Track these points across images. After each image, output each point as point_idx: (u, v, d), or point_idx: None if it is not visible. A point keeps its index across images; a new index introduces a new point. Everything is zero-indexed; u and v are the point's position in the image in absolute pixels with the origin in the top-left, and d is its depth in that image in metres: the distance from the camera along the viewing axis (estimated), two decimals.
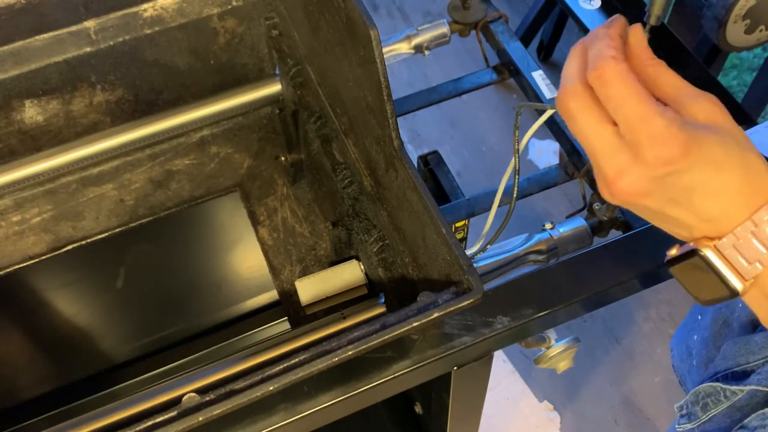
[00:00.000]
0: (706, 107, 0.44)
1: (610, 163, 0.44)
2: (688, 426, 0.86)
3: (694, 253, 0.45)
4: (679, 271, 0.47)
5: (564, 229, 0.70)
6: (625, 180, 0.43)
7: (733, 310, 0.83)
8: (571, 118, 0.45)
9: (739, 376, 0.80)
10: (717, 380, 0.81)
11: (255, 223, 0.80)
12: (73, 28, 0.70)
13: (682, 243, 0.47)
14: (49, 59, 0.71)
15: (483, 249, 0.68)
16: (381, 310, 0.66)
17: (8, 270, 0.77)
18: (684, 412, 0.87)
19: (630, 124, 0.42)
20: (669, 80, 0.45)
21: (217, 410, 0.47)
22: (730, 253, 0.44)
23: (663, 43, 0.81)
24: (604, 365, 1.49)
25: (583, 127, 0.44)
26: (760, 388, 0.76)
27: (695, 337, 0.90)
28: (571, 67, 0.45)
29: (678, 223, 0.45)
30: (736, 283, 0.44)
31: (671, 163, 0.42)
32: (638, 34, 0.46)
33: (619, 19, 0.46)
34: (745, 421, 0.78)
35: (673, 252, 0.47)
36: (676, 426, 0.88)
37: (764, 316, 0.46)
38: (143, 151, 0.80)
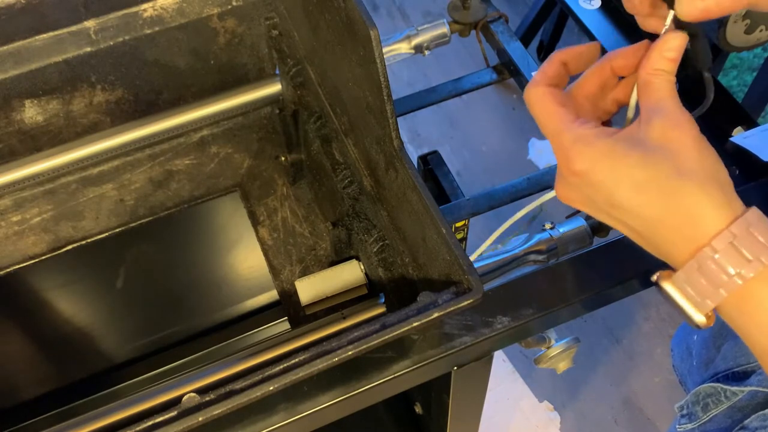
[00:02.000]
0: (659, 127, 0.43)
1: (557, 168, 0.48)
2: (689, 426, 0.86)
3: (656, 283, 0.46)
4: (661, 294, 0.47)
5: (564, 229, 0.70)
6: (557, 187, 0.48)
7: None
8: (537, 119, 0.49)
9: (740, 377, 0.80)
10: (717, 380, 0.81)
11: (255, 223, 0.80)
12: (73, 28, 0.70)
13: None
14: (49, 59, 0.71)
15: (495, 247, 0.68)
16: (381, 310, 0.66)
17: (8, 270, 0.77)
18: (684, 412, 0.87)
19: (550, 139, 0.46)
20: (658, 94, 0.45)
21: (217, 410, 0.47)
22: (684, 288, 0.44)
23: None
24: (604, 365, 1.49)
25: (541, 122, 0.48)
26: (761, 389, 0.76)
27: (695, 337, 0.90)
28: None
29: (629, 236, 0.46)
30: (697, 317, 0.44)
31: (577, 175, 0.44)
32: (671, 41, 0.46)
33: (579, 47, 0.50)
34: (746, 421, 0.78)
35: (654, 278, 0.47)
36: (677, 426, 0.88)
37: (744, 337, 0.46)
38: (143, 151, 0.80)
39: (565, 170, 0.45)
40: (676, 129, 0.43)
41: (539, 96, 0.47)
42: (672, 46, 0.46)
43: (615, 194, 0.43)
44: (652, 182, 0.42)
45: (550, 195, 0.64)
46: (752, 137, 0.73)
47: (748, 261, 0.41)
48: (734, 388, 0.79)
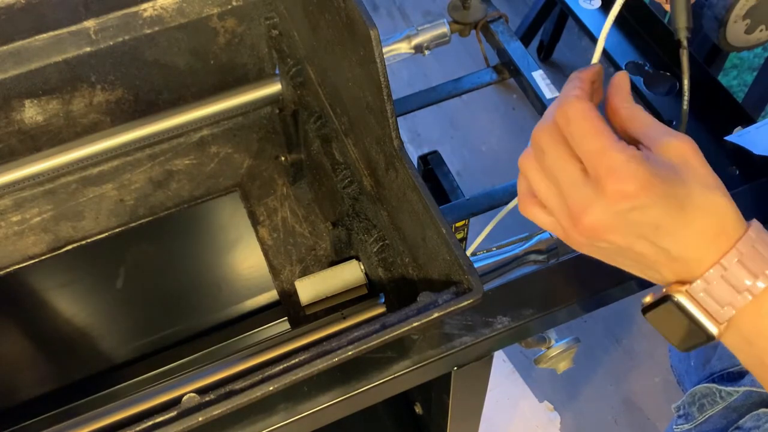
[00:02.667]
0: (678, 146, 0.44)
1: (574, 197, 0.44)
2: (685, 426, 0.86)
3: (667, 298, 0.45)
4: (654, 318, 0.47)
5: None
6: (590, 214, 0.44)
7: None
8: (542, 153, 0.46)
9: (735, 377, 0.80)
10: (713, 381, 0.81)
11: (255, 223, 0.80)
12: (73, 28, 0.70)
13: (656, 290, 0.47)
14: (49, 59, 0.71)
15: (488, 249, 0.68)
16: (381, 310, 0.66)
17: (8, 270, 0.77)
18: (681, 412, 0.87)
19: (591, 159, 0.43)
20: (643, 120, 0.45)
21: (217, 410, 0.47)
22: (702, 297, 0.44)
23: (663, 43, 0.81)
24: (604, 365, 1.49)
25: (551, 162, 0.45)
26: (755, 389, 0.77)
27: None
28: (551, 107, 0.46)
29: (647, 262, 0.45)
30: (711, 328, 0.44)
31: (631, 197, 0.42)
32: (622, 79, 0.47)
33: (594, 66, 0.48)
34: (741, 421, 0.79)
35: (648, 299, 0.47)
36: (674, 426, 0.88)
37: (744, 360, 0.46)
38: (143, 151, 0.80)
39: (613, 192, 0.42)
40: (688, 148, 0.44)
41: (586, 111, 0.44)
42: (624, 82, 0.47)
43: (665, 215, 0.43)
44: (694, 200, 0.43)
45: None
46: (748, 134, 0.73)
47: None
48: (729, 389, 0.79)
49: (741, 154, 0.72)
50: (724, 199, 0.44)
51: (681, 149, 0.44)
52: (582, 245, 0.47)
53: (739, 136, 0.73)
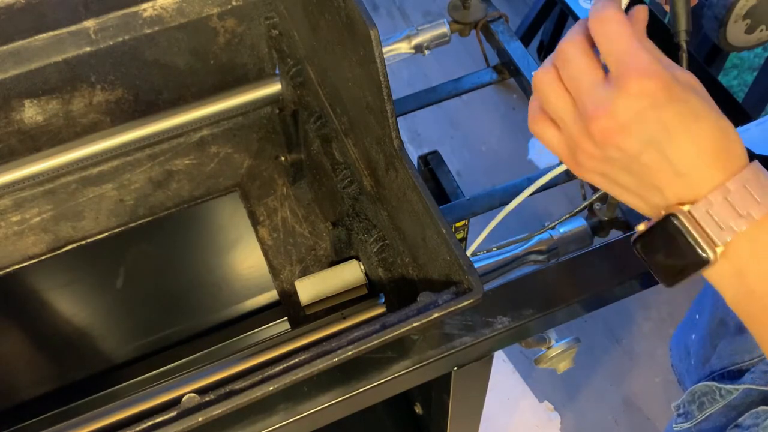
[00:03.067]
0: (685, 74, 0.45)
1: (594, 97, 0.45)
2: (685, 425, 0.86)
3: (665, 221, 0.45)
4: (646, 246, 0.47)
5: (564, 229, 0.70)
6: (608, 112, 0.44)
7: (729, 310, 0.83)
8: (566, 62, 0.46)
9: (734, 375, 0.80)
10: (713, 379, 0.81)
11: (255, 223, 0.80)
12: (73, 28, 0.70)
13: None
14: (48, 59, 0.71)
15: (489, 249, 0.68)
16: (381, 310, 0.66)
17: (8, 270, 0.77)
18: (681, 411, 0.87)
19: (619, 57, 0.44)
20: (654, 51, 0.46)
21: (217, 410, 0.47)
22: (703, 217, 0.44)
23: (663, 43, 0.81)
24: (604, 365, 1.49)
25: (574, 68, 0.46)
26: (754, 387, 0.77)
27: (693, 336, 0.90)
28: (572, 29, 0.48)
29: (650, 178, 0.45)
30: (708, 251, 0.44)
31: (652, 94, 0.43)
32: (641, 13, 0.48)
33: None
34: (740, 419, 0.78)
35: (642, 227, 0.47)
36: (673, 425, 0.88)
37: (733, 296, 0.46)
38: (143, 151, 0.80)
39: (635, 87, 0.43)
40: (692, 79, 0.45)
41: (619, 15, 0.45)
42: (640, 18, 0.47)
43: (680, 120, 0.43)
44: (708, 114, 0.43)
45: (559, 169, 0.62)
46: (748, 131, 0.72)
47: None
48: (729, 387, 0.79)
49: None
50: (731, 127, 0.44)
51: (689, 78, 0.45)
52: (590, 158, 0.47)
53: (741, 133, 0.73)
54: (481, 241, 0.70)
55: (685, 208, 0.44)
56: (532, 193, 0.78)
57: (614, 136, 0.44)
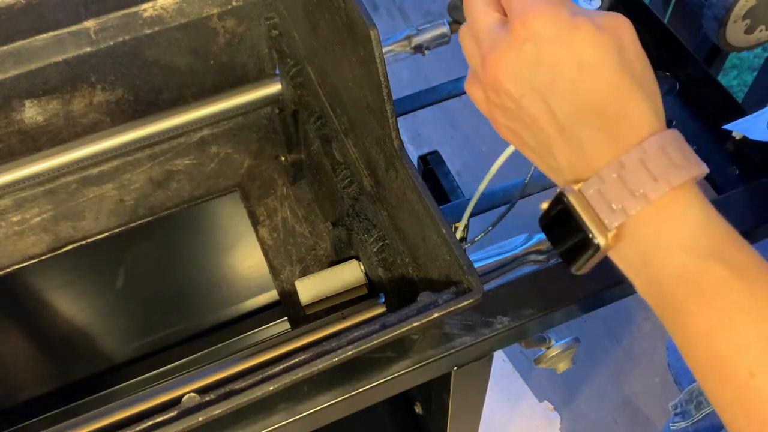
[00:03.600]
0: (609, 17, 0.40)
1: (487, 40, 0.42)
2: (682, 424, 0.86)
3: (558, 200, 0.41)
4: (549, 228, 0.43)
5: None
6: (493, 52, 0.41)
7: None
8: (468, 8, 0.44)
9: None
10: None
11: (255, 223, 0.80)
12: (73, 28, 0.70)
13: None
14: (49, 59, 0.71)
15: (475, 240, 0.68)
16: (381, 310, 0.66)
17: (8, 270, 0.77)
18: (678, 410, 0.87)
19: (510, 1, 0.41)
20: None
21: (217, 410, 0.47)
22: (593, 196, 0.39)
23: (663, 43, 0.81)
24: (604, 365, 1.49)
25: (473, 14, 0.43)
26: None
27: None
28: None
29: (543, 138, 0.41)
30: (598, 236, 0.39)
31: (532, 31, 0.39)
32: None
33: None
34: None
35: (544, 205, 0.43)
36: (670, 424, 0.88)
37: (639, 281, 0.41)
38: (143, 151, 0.80)
39: (518, 26, 0.39)
40: (620, 21, 0.40)
41: None
42: None
43: (562, 66, 0.39)
44: (598, 66, 0.38)
45: None
46: (746, 122, 0.72)
47: (677, 167, 0.37)
48: None
49: (740, 153, 0.72)
50: (636, 86, 0.39)
51: (613, 21, 0.40)
52: (494, 108, 0.43)
53: (736, 124, 0.72)
54: (481, 241, 0.70)
55: (578, 186, 0.40)
56: (533, 194, 0.78)
57: (500, 77, 0.41)
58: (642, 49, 0.40)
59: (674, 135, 0.39)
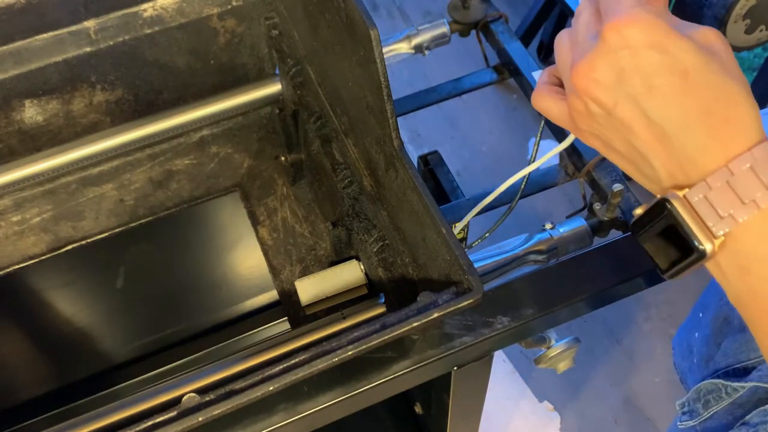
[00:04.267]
0: (705, 32, 0.40)
1: (580, 48, 0.41)
2: (690, 423, 0.86)
3: (659, 206, 0.40)
4: (641, 233, 0.42)
5: (564, 229, 0.70)
6: (583, 59, 0.40)
7: (733, 308, 0.82)
8: (576, 18, 0.43)
9: (740, 373, 0.80)
10: (718, 377, 0.81)
11: (255, 223, 0.80)
12: (73, 28, 0.70)
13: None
14: (49, 59, 0.71)
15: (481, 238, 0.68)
16: (381, 310, 0.66)
17: (8, 270, 0.77)
18: (686, 409, 0.87)
19: (607, 7, 0.40)
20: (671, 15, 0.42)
21: (217, 410, 0.47)
22: (699, 203, 0.38)
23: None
24: (604, 365, 1.49)
25: (579, 18, 0.43)
26: (762, 385, 0.76)
27: (696, 334, 0.90)
28: None
29: (639, 143, 0.40)
30: (705, 243, 0.38)
31: (623, 39, 0.38)
32: None
33: None
34: (747, 417, 0.78)
35: (639, 210, 0.42)
36: (678, 423, 0.88)
37: (732, 293, 0.41)
38: (143, 151, 0.80)
39: (608, 32, 0.38)
40: (715, 35, 0.40)
41: None
42: None
43: (661, 73, 0.38)
44: (703, 72, 0.38)
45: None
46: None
47: None
48: (735, 384, 0.78)
49: None
50: (743, 90, 0.38)
51: (708, 35, 0.39)
52: (579, 115, 0.42)
53: None
54: (481, 241, 0.70)
55: (682, 192, 0.39)
56: (533, 193, 0.78)
57: (590, 86, 0.40)
58: (737, 63, 0.40)
59: None
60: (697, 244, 0.39)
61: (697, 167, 0.38)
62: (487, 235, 0.70)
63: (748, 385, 0.77)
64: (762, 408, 0.77)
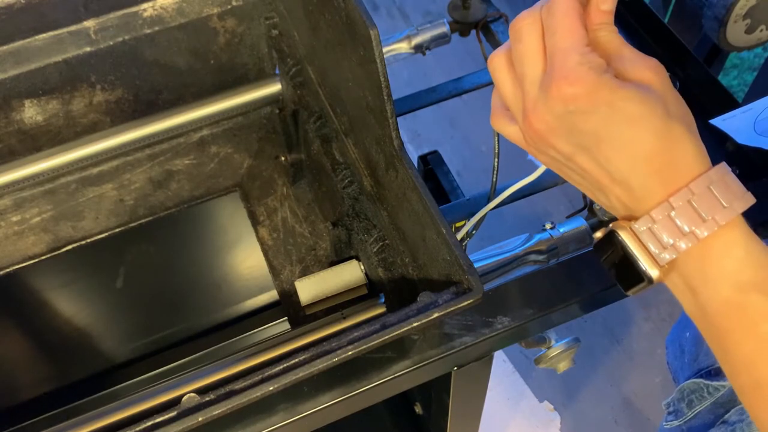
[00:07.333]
0: (643, 71, 0.42)
1: (530, 94, 0.43)
2: (675, 423, 0.86)
3: (612, 234, 0.44)
4: (600, 255, 0.46)
5: (564, 229, 0.70)
6: (534, 114, 0.43)
7: None
8: (517, 41, 0.44)
9: (721, 372, 0.80)
10: (701, 376, 0.81)
11: (255, 223, 0.80)
12: (73, 28, 0.70)
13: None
14: (48, 59, 0.71)
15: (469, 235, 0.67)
16: (381, 310, 0.66)
17: (8, 270, 0.77)
18: (671, 409, 0.87)
19: (553, 56, 0.42)
20: (616, 44, 0.43)
21: (217, 410, 0.47)
22: (644, 235, 0.42)
23: (663, 43, 0.81)
24: (604, 365, 1.49)
25: (521, 52, 0.44)
26: None
27: (687, 334, 0.90)
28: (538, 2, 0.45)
29: (593, 181, 0.44)
30: (650, 271, 0.43)
31: (569, 100, 0.40)
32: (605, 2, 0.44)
33: None
34: (726, 416, 0.79)
35: (598, 234, 0.46)
36: (664, 424, 0.88)
37: (687, 307, 0.44)
38: (143, 151, 0.80)
39: (556, 92, 0.41)
40: (654, 73, 0.42)
41: (570, 9, 0.42)
42: (611, 2, 0.44)
43: (607, 126, 0.41)
44: (645, 119, 0.40)
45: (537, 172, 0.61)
46: (733, 118, 0.72)
47: (723, 206, 0.40)
48: (716, 383, 0.79)
49: (741, 154, 0.72)
50: (683, 130, 0.41)
51: (647, 73, 0.42)
52: (538, 153, 0.46)
53: (723, 120, 0.72)
54: (481, 241, 0.70)
55: (629, 224, 0.43)
56: (533, 193, 0.78)
57: (546, 136, 0.43)
58: (675, 90, 0.43)
59: (719, 173, 0.41)
60: (644, 269, 0.43)
61: (644, 202, 0.42)
62: (474, 232, 0.70)
63: (728, 384, 0.77)
64: (740, 406, 0.77)
